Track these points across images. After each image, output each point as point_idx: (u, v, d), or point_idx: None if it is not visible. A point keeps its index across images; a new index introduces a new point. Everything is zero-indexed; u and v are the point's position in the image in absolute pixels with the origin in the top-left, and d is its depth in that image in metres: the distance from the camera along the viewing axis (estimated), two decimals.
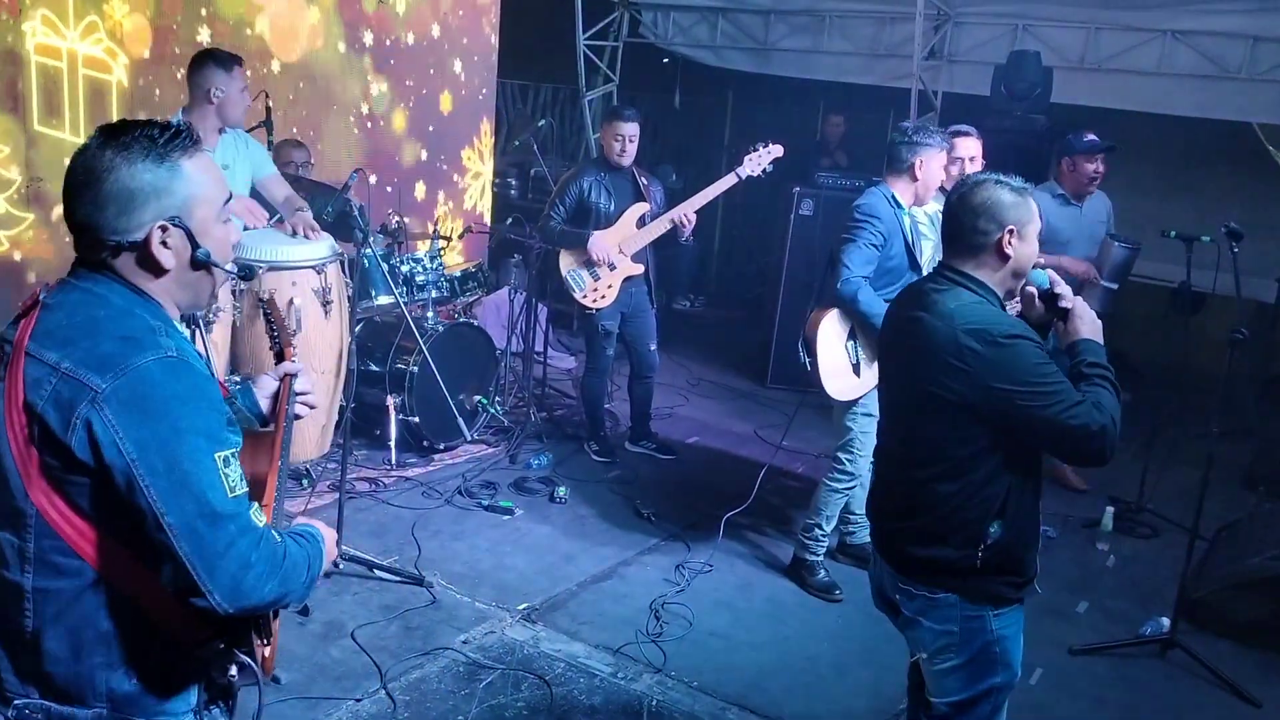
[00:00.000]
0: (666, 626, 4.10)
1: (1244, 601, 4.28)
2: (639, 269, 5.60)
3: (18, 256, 5.38)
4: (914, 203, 4.32)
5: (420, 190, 7.40)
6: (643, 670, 3.79)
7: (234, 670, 1.70)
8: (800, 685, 3.83)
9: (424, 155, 7.46)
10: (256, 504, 1.64)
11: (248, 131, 4.69)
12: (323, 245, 4.55)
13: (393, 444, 5.34)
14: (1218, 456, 4.26)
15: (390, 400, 5.32)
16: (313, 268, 4.38)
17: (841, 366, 4.31)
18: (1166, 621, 4.25)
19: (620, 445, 5.99)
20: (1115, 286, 5.34)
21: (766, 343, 7.52)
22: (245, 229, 4.25)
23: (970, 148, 4.48)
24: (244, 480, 1.62)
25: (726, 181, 5.35)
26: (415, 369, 5.30)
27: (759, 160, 5.30)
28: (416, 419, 5.38)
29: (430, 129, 7.48)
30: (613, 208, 5.53)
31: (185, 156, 1.65)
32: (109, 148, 1.61)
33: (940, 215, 4.43)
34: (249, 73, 4.36)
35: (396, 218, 5.78)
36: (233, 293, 3.87)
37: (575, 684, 3.67)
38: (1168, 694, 3.97)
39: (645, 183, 5.64)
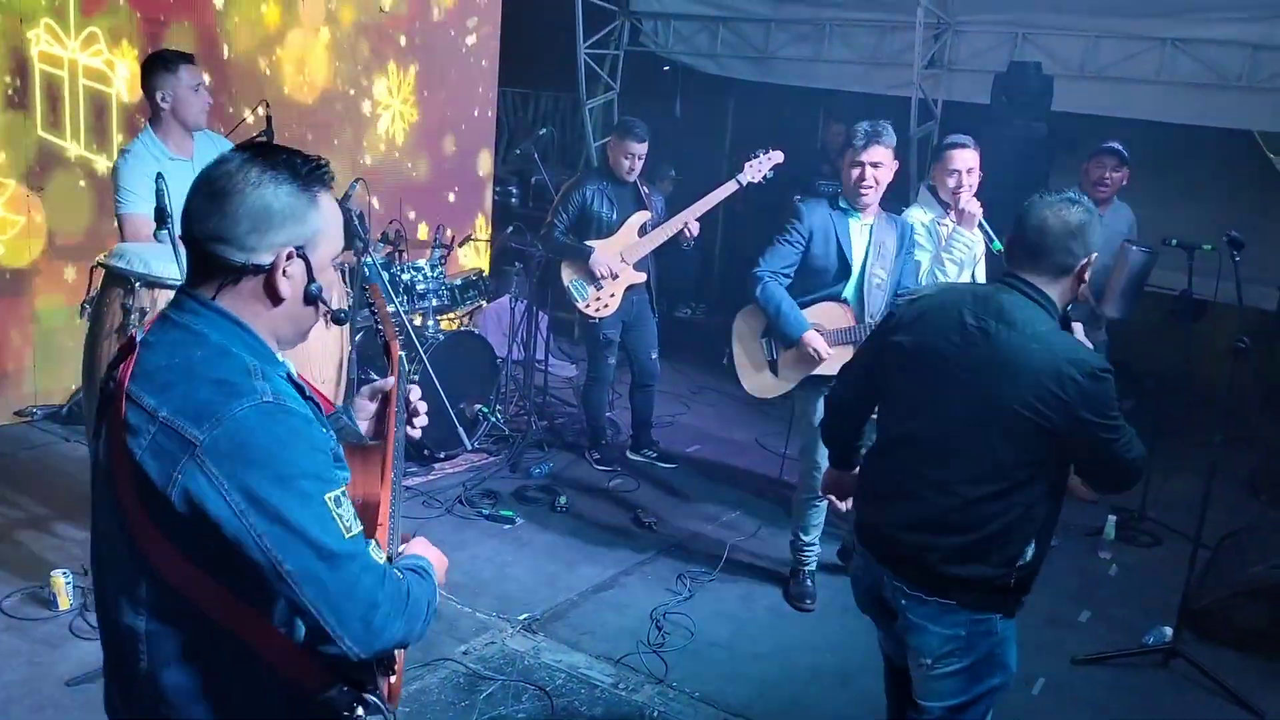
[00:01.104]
0: (668, 637, 4.08)
1: (1247, 610, 4.26)
2: (641, 277, 5.60)
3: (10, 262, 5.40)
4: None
5: (423, 231, 7.39)
6: (644, 681, 3.78)
7: (360, 710, 1.62)
8: (803, 696, 3.82)
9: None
10: (374, 541, 1.58)
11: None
12: None
13: None
14: (1220, 464, 4.24)
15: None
16: None
17: (755, 362, 4.49)
18: (1169, 631, 4.23)
19: (621, 454, 5.99)
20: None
21: None
22: None
23: (967, 159, 4.36)
24: (358, 519, 1.56)
25: (727, 189, 5.34)
26: (416, 377, 5.29)
27: (759, 167, 5.29)
28: None
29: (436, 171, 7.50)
30: (615, 217, 5.53)
31: (322, 191, 1.65)
32: (256, 165, 1.59)
33: (935, 225, 4.45)
34: (207, 74, 4.10)
35: (396, 226, 5.78)
36: None
37: (576, 695, 3.66)
38: (1171, 704, 3.95)
39: (646, 192, 5.65)
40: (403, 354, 2.17)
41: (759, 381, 4.49)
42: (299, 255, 1.61)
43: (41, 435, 5.44)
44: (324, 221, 1.64)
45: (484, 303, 6.24)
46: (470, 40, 7.67)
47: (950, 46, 8.26)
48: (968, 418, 2.45)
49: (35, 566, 4.02)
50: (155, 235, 3.48)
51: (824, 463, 4.18)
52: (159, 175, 3.39)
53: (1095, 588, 4.89)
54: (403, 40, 7.13)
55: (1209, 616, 4.33)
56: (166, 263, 3.51)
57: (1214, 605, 4.33)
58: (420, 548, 1.81)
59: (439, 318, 5.75)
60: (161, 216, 3.38)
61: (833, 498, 3.14)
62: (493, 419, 5.73)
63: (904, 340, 2.62)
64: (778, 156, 5.32)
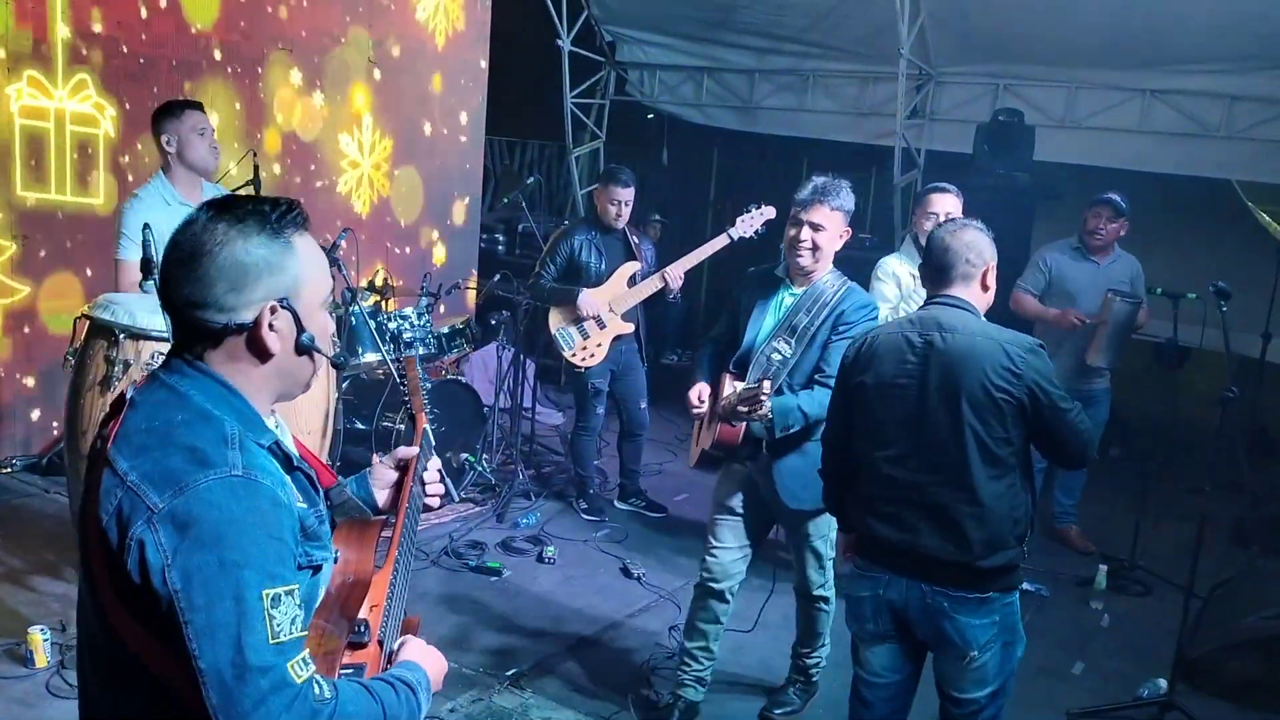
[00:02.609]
0: (660, 693, 4.02)
1: (1241, 661, 4.24)
2: (629, 328, 5.59)
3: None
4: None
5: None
6: None
7: None
8: None
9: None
10: (305, 652, 1.46)
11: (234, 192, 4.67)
12: None
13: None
14: (1207, 513, 4.23)
15: (376, 459, 5.26)
16: None
17: (696, 429, 3.99)
18: (1164, 683, 4.19)
19: (609, 503, 5.94)
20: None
21: None
22: None
23: (946, 204, 4.44)
24: (296, 623, 1.45)
25: (719, 242, 5.30)
26: (402, 427, 5.25)
27: (752, 222, 5.22)
28: None
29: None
30: (604, 267, 5.53)
31: (297, 233, 1.57)
32: (221, 220, 1.52)
33: (910, 276, 4.48)
34: (215, 118, 4.29)
35: (384, 275, 5.77)
36: None
37: None
38: None
39: (636, 241, 5.65)
40: (428, 428, 2.15)
41: (694, 450, 4.00)
42: (284, 307, 1.54)
43: (20, 486, 5.36)
44: (304, 266, 1.57)
45: (470, 350, 6.21)
46: (456, 92, 7.73)
47: (932, 97, 8.37)
48: (949, 418, 2.76)
49: (11, 622, 3.93)
50: (141, 286, 3.47)
51: (718, 548, 3.75)
52: (145, 226, 3.38)
53: (1088, 639, 4.85)
54: (384, 84, 7.17)
55: (1202, 668, 4.30)
56: (152, 314, 3.49)
57: (1207, 656, 4.30)
58: (417, 653, 1.72)
59: (426, 366, 5.71)
60: (148, 267, 3.37)
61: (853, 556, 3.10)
62: (479, 468, 5.69)
63: (866, 380, 2.90)
64: (770, 212, 5.22)
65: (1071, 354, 5.48)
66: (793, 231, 3.52)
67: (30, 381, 5.58)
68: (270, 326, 1.53)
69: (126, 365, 3.51)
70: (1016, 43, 7.69)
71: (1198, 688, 4.26)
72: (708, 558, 3.77)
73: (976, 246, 2.88)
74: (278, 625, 1.42)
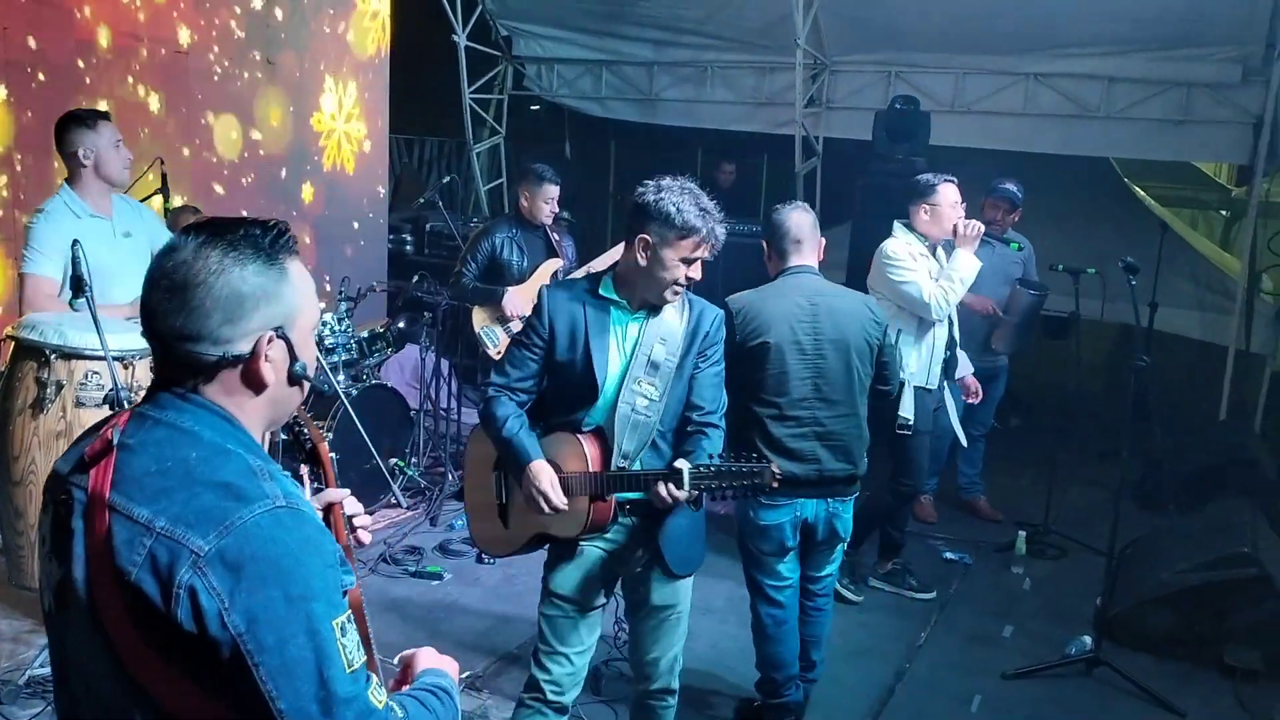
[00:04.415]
0: (612, 684, 4.06)
1: (1159, 615, 4.47)
2: None
3: None
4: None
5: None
6: None
7: None
8: None
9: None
10: (376, 678, 1.44)
11: (142, 201, 4.50)
12: None
13: None
14: (1101, 476, 4.46)
15: (304, 471, 5.16)
16: None
17: (484, 502, 3.13)
18: (1089, 640, 4.43)
19: None
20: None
21: None
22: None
23: (958, 191, 4.66)
24: (360, 649, 1.40)
25: None
26: (329, 435, 5.16)
27: None
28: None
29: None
30: (525, 264, 5.53)
31: (290, 259, 1.49)
32: (214, 248, 1.42)
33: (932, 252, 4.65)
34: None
35: None
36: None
37: None
38: (1099, 710, 4.14)
39: (558, 239, 5.67)
40: (333, 454, 2.00)
41: (486, 529, 3.16)
42: (279, 336, 1.46)
43: None
44: (298, 294, 1.49)
45: (391, 353, 6.13)
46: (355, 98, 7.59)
47: (828, 86, 8.57)
48: (841, 364, 3.58)
49: None
50: (72, 304, 3.35)
51: (570, 652, 3.04)
52: (75, 242, 3.26)
53: (1013, 603, 5.07)
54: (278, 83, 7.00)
55: (1122, 623, 4.54)
56: (84, 332, 3.37)
57: (1126, 613, 4.54)
58: (432, 660, 1.69)
59: (348, 371, 5.61)
60: (79, 285, 3.25)
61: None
62: (409, 472, 5.63)
63: (769, 340, 3.53)
64: None
65: (978, 335, 5.70)
66: (679, 271, 2.77)
67: None
68: (266, 357, 1.46)
69: (59, 386, 3.38)
70: (906, 31, 7.93)
71: (1121, 643, 4.50)
72: (554, 667, 2.99)
73: (817, 224, 3.69)
74: (350, 654, 1.37)
